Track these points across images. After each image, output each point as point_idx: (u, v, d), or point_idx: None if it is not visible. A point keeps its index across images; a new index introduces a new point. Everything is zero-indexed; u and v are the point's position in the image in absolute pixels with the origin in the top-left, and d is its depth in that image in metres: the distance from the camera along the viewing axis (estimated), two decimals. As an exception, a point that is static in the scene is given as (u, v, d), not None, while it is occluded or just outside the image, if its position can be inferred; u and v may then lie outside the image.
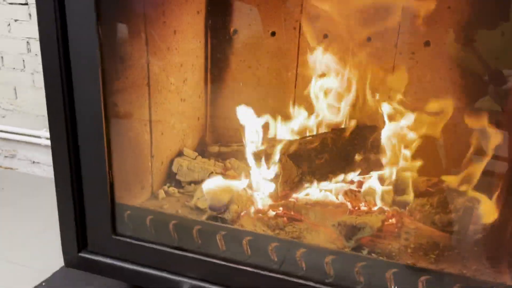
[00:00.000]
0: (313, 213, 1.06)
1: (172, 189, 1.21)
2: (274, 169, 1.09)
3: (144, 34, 1.05)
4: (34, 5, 1.50)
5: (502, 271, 0.89)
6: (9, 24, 1.63)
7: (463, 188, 1.02)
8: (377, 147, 1.16)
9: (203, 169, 1.23)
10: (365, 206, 1.11)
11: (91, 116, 0.91)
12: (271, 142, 1.15)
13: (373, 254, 0.93)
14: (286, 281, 0.88)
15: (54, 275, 1.19)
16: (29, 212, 1.50)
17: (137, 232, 0.99)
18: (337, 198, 1.13)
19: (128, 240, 0.99)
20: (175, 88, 1.23)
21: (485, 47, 1.09)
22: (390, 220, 1.06)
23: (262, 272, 0.90)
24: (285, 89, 1.32)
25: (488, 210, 0.97)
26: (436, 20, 1.14)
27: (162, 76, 1.15)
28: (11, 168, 1.87)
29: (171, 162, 1.26)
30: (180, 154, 1.30)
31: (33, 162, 1.81)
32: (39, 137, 1.75)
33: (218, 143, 1.42)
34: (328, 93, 1.24)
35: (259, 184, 1.11)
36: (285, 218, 1.07)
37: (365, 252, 0.95)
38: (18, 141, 1.80)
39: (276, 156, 1.09)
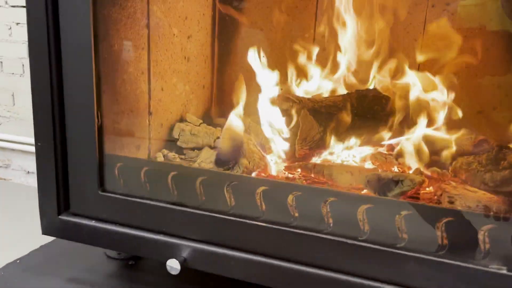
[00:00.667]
0: (338, 173, 0.89)
1: (172, 154, 1.05)
2: (291, 123, 0.93)
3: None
4: None
5: None
6: (10, 28, 1.56)
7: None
8: (407, 106, 1.01)
9: (209, 133, 1.07)
10: (398, 168, 0.94)
11: (79, 37, 0.76)
12: (286, 96, 1.00)
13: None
14: (309, 237, 0.71)
15: (31, 252, 1.02)
16: (18, 221, 1.34)
17: (129, 188, 0.83)
18: (364, 161, 0.97)
19: (118, 196, 0.82)
20: (178, 42, 1.09)
21: None
22: (428, 186, 0.90)
23: (280, 227, 0.73)
24: (304, 44, 1.18)
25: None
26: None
27: (164, 22, 1.02)
28: (4, 179, 1.75)
29: (172, 127, 1.10)
30: (182, 120, 1.15)
31: (28, 172, 1.70)
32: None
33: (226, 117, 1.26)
34: (353, 49, 1.09)
35: (273, 141, 0.95)
36: (304, 181, 0.90)
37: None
38: (13, 149, 1.70)
39: (293, 108, 0.93)
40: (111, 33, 0.84)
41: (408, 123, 1.00)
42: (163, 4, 1.00)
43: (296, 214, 0.72)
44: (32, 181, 1.70)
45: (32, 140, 1.62)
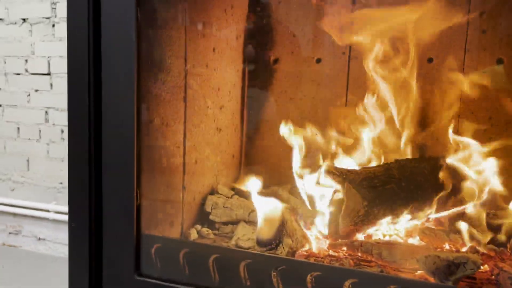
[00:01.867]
0: (387, 252, 0.83)
1: (205, 230, 1.00)
2: (335, 198, 0.88)
3: (184, 44, 0.93)
4: (56, 75, 1.47)
5: None
6: (29, 95, 1.60)
7: None
8: (455, 178, 0.96)
9: (242, 206, 1.03)
10: (450, 246, 0.88)
11: (120, 121, 0.74)
12: (325, 169, 0.96)
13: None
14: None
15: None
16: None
17: (167, 271, 0.77)
18: (411, 237, 0.91)
19: (156, 281, 0.76)
20: (211, 114, 1.07)
21: None
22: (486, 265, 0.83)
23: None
24: (334, 117, 1.16)
25: None
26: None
27: (199, 94, 1.01)
28: (14, 246, 1.70)
29: (204, 200, 1.06)
30: (213, 192, 1.11)
31: (39, 238, 1.66)
32: (47, 210, 1.61)
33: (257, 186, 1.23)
34: (388, 119, 1.07)
35: (315, 218, 0.90)
36: (351, 261, 0.84)
37: (467, 299, 0.72)
38: (24, 215, 1.67)
39: (336, 181, 0.89)
40: (151, 108, 0.83)
41: (456, 195, 0.95)
42: (199, 77, 1.00)
43: (354, 304, 0.66)
44: (43, 248, 1.64)
45: (44, 205, 1.60)
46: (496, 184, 0.89)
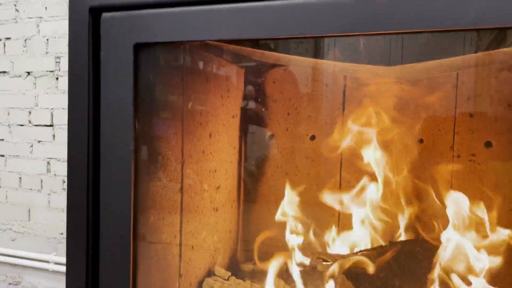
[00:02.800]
0: None
1: (201, 317, 1.00)
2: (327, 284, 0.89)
3: (181, 137, 0.96)
4: (59, 126, 1.51)
5: None
6: (31, 145, 1.63)
7: None
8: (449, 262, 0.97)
9: (239, 290, 1.03)
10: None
11: (120, 213, 0.76)
12: (319, 258, 0.97)
13: None
14: None
15: None
16: None
17: None
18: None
19: None
20: (208, 196, 1.09)
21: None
22: None
23: None
24: (328, 197, 1.18)
25: None
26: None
27: (195, 181, 1.03)
28: None
29: (200, 284, 1.06)
30: (210, 273, 1.12)
31: None
32: (47, 261, 1.61)
33: (253, 261, 1.23)
34: (380, 202, 1.09)
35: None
36: None
37: None
38: (24, 266, 1.67)
39: (330, 276, 0.90)
40: (148, 206, 0.85)
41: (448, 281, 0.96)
42: (196, 164, 1.03)
43: None
44: None
45: (44, 256, 1.59)
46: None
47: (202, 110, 1.03)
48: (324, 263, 0.96)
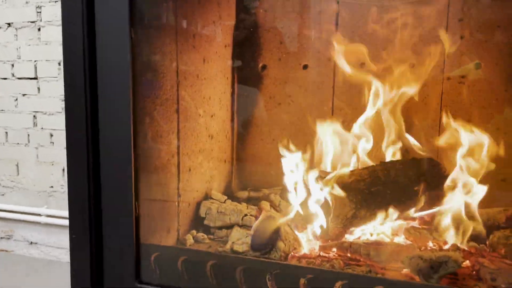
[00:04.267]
0: (375, 252, 0.88)
1: (201, 235, 1.03)
2: (323, 201, 0.93)
3: (175, 57, 0.96)
4: (43, 79, 1.48)
5: None
6: (16, 99, 1.60)
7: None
8: (437, 178, 1.01)
9: (236, 211, 1.07)
10: (434, 244, 0.93)
11: (118, 135, 0.77)
12: (314, 175, 1.00)
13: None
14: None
15: None
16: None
17: (166, 278, 0.81)
18: (397, 236, 0.96)
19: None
20: (203, 122, 1.11)
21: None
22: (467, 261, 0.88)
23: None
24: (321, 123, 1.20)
25: None
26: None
27: (191, 105, 1.04)
28: (6, 251, 1.72)
29: (198, 206, 1.10)
30: (206, 197, 1.15)
31: (31, 242, 1.68)
32: (39, 214, 1.62)
33: (248, 188, 1.27)
34: (371, 123, 1.12)
35: (306, 221, 0.94)
36: (340, 261, 0.89)
37: (449, 294, 0.77)
38: (16, 220, 1.68)
39: (325, 187, 0.94)
40: (146, 122, 0.86)
41: (439, 195, 1.00)
42: (191, 88, 1.03)
43: (345, 304, 0.70)
44: (35, 252, 1.66)
45: (35, 209, 1.62)
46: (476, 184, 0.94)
47: (195, 32, 1.03)
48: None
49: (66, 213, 1.40)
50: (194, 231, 1.04)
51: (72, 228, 0.82)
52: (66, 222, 1.43)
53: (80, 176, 0.80)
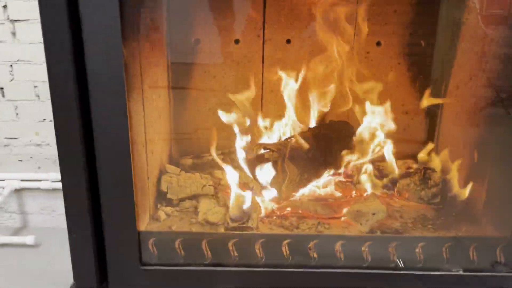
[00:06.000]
0: (321, 208, 1.13)
1: (169, 209, 1.16)
2: (277, 172, 1.13)
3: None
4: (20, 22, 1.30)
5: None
6: None
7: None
8: (352, 140, 1.28)
9: (195, 182, 1.21)
10: (356, 193, 1.23)
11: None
12: (254, 147, 1.19)
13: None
14: (325, 274, 0.95)
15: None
16: None
17: (164, 259, 0.95)
18: (328, 189, 1.23)
19: (158, 267, 0.94)
20: (155, 104, 1.18)
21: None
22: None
23: (302, 270, 0.94)
24: (252, 95, 1.36)
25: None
26: (387, 23, 1.31)
27: (148, 90, 1.10)
28: None
29: (159, 181, 1.20)
30: (161, 172, 1.25)
31: None
32: None
33: (191, 156, 1.40)
34: (296, 94, 1.32)
35: (265, 189, 1.14)
36: (295, 218, 1.12)
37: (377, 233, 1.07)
38: None
39: (278, 159, 1.13)
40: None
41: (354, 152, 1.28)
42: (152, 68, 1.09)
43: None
44: None
45: None
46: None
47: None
48: (266, 151, 1.18)
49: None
50: (162, 206, 1.16)
51: (71, 228, 0.88)
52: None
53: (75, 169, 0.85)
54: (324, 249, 0.96)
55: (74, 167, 0.86)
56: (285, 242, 0.95)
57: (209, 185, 1.21)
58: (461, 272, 0.95)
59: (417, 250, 0.96)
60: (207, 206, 1.14)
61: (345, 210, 1.12)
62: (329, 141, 1.28)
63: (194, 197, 1.20)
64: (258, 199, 1.11)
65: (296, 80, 1.31)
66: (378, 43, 1.37)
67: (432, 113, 1.39)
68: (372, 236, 1.01)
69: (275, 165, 1.16)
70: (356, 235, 1.01)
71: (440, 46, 1.33)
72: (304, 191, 1.19)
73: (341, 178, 1.27)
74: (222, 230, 1.05)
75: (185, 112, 1.42)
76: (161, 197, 1.19)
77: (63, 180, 0.86)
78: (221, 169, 1.26)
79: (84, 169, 0.86)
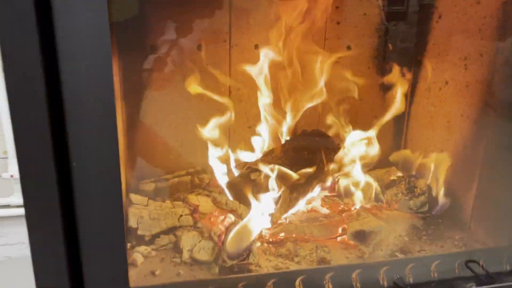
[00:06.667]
0: (317, 229, 1.04)
1: (143, 248, 0.98)
2: (273, 196, 1.01)
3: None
4: None
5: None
6: None
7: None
8: (333, 151, 1.21)
9: (169, 213, 1.04)
10: (344, 208, 1.15)
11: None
12: (249, 168, 1.06)
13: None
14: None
15: None
16: None
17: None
18: (317, 207, 1.14)
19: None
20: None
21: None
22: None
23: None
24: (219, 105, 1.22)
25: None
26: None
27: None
28: None
29: (127, 213, 1.01)
30: (124, 204, 1.06)
31: None
32: None
33: (153, 179, 1.21)
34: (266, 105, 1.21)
35: (259, 216, 1.01)
36: (291, 243, 1.02)
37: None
38: None
39: (273, 182, 1.02)
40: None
41: (336, 165, 1.20)
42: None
43: None
44: None
45: None
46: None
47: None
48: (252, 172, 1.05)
49: None
50: (137, 247, 0.98)
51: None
52: None
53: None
54: (339, 281, 0.87)
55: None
56: (299, 279, 0.84)
57: (185, 215, 1.05)
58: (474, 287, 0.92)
59: (431, 268, 0.91)
60: (191, 241, 0.98)
61: (340, 230, 1.04)
62: (309, 153, 1.19)
63: (171, 230, 1.04)
64: (252, 228, 0.98)
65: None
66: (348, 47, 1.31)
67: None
68: (389, 261, 0.94)
69: (264, 186, 1.04)
70: (372, 262, 0.94)
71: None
72: (294, 212, 1.09)
73: (326, 193, 1.19)
74: (216, 270, 0.91)
75: (138, 127, 1.23)
76: (130, 235, 1.01)
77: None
78: (198, 193, 1.11)
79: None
